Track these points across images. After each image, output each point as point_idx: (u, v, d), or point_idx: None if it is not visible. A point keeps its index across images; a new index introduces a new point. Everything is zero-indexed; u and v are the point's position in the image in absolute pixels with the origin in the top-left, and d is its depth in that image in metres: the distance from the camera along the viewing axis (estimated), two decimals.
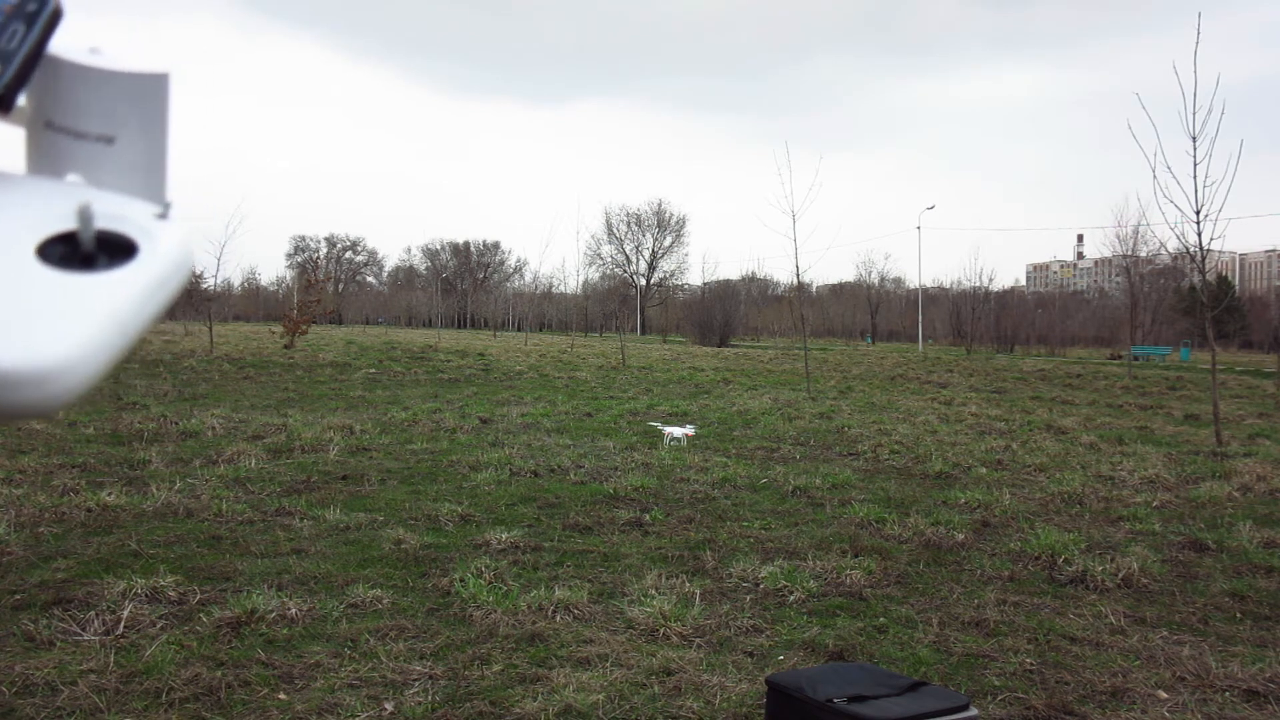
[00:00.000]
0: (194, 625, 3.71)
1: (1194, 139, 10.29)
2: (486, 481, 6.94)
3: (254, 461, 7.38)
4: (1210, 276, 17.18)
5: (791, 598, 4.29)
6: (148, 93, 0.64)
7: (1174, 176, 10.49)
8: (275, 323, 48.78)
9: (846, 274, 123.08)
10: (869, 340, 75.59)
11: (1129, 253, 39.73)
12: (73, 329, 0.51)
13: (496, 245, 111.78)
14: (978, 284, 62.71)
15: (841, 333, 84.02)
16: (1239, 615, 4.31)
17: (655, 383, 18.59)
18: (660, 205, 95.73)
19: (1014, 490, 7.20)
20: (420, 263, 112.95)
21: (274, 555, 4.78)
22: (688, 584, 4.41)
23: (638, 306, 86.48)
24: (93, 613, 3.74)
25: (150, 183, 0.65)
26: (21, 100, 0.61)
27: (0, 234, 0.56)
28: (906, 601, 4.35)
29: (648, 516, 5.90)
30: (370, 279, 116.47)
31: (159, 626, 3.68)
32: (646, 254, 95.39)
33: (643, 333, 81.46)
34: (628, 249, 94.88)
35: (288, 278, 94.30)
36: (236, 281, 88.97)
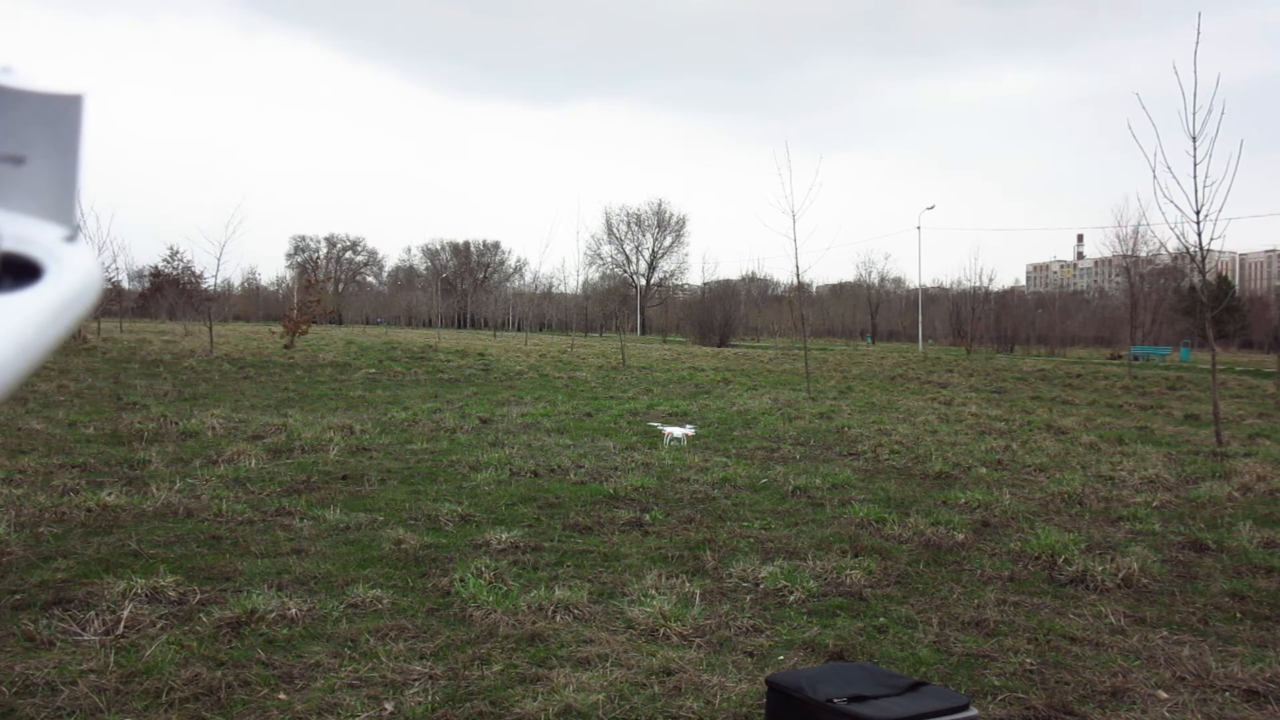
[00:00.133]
0: (194, 625, 3.71)
1: (1194, 139, 10.29)
2: (486, 481, 6.94)
3: (254, 461, 7.38)
4: (1210, 276, 17.18)
5: (791, 598, 4.29)
6: (61, 114, 0.64)
7: (1174, 176, 10.50)
8: (275, 323, 48.81)
9: (846, 274, 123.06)
10: (869, 340, 75.54)
11: (1129, 253, 39.75)
12: None
13: (496, 245, 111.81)
14: (978, 284, 62.60)
15: (841, 333, 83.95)
16: (1239, 615, 4.31)
17: (655, 383, 18.59)
18: (660, 205, 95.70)
19: (1014, 490, 7.20)
20: (420, 263, 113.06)
21: (274, 555, 4.78)
22: (688, 584, 4.41)
23: (638, 306, 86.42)
24: (93, 613, 3.74)
25: (61, 205, 0.65)
26: None
27: None
28: (906, 601, 4.35)
29: (648, 516, 5.90)
30: (370, 279, 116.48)
31: (159, 626, 3.69)
32: (646, 254, 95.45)
33: (643, 333, 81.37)
34: (628, 249, 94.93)
35: (288, 278, 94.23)
36: (236, 281, 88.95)
